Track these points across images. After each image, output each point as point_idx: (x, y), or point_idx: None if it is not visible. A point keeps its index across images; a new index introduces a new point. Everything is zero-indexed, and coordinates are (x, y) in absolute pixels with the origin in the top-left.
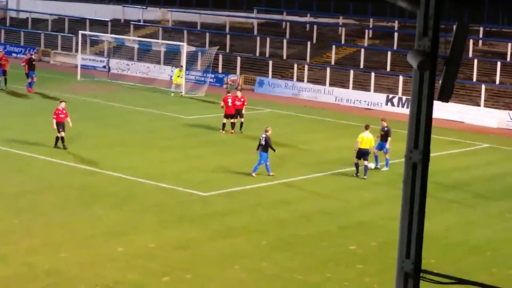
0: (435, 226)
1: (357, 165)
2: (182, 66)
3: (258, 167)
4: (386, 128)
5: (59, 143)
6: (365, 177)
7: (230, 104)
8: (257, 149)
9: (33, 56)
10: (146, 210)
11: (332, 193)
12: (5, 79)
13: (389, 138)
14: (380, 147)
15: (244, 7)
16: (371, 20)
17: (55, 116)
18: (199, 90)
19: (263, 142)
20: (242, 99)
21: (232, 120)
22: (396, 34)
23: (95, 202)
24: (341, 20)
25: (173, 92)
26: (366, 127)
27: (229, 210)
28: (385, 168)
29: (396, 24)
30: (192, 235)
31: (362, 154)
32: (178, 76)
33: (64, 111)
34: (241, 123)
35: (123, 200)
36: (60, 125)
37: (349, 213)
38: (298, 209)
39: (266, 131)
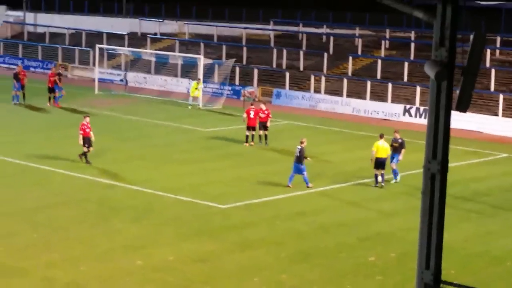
0: (454, 237)
1: (376, 176)
2: (199, 79)
3: (306, 178)
4: (400, 140)
5: (83, 158)
6: (383, 183)
7: (252, 116)
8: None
9: (60, 71)
10: (164, 223)
11: (350, 204)
12: (24, 94)
13: (403, 150)
14: (393, 159)
15: (261, 19)
16: (387, 30)
17: (81, 132)
18: (216, 103)
19: (297, 154)
20: (266, 112)
21: (253, 132)
22: (412, 45)
23: (114, 216)
24: (357, 31)
25: (190, 104)
26: (381, 136)
27: (247, 223)
28: (394, 180)
29: (412, 35)
30: (210, 248)
31: (380, 163)
32: (196, 89)
33: (89, 125)
34: (266, 136)
35: (141, 214)
36: (87, 140)
37: (368, 224)
38: (316, 221)
39: (302, 142)
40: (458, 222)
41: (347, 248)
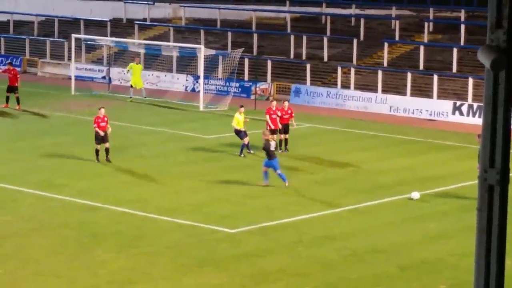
0: None
1: (242, 147)
2: (136, 59)
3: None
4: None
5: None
6: (248, 152)
7: (275, 117)
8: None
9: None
10: (159, 253)
11: (389, 225)
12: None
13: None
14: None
15: None
16: (431, 10)
17: (95, 125)
18: (221, 103)
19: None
20: (289, 111)
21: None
22: (462, 27)
23: (97, 245)
24: (394, 11)
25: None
26: (241, 107)
27: (262, 250)
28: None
29: (462, 14)
30: (216, 282)
31: (239, 134)
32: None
33: (106, 119)
34: (286, 140)
35: (130, 241)
36: (99, 135)
37: (411, 250)
38: (347, 246)
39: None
40: None
41: (385, 279)
